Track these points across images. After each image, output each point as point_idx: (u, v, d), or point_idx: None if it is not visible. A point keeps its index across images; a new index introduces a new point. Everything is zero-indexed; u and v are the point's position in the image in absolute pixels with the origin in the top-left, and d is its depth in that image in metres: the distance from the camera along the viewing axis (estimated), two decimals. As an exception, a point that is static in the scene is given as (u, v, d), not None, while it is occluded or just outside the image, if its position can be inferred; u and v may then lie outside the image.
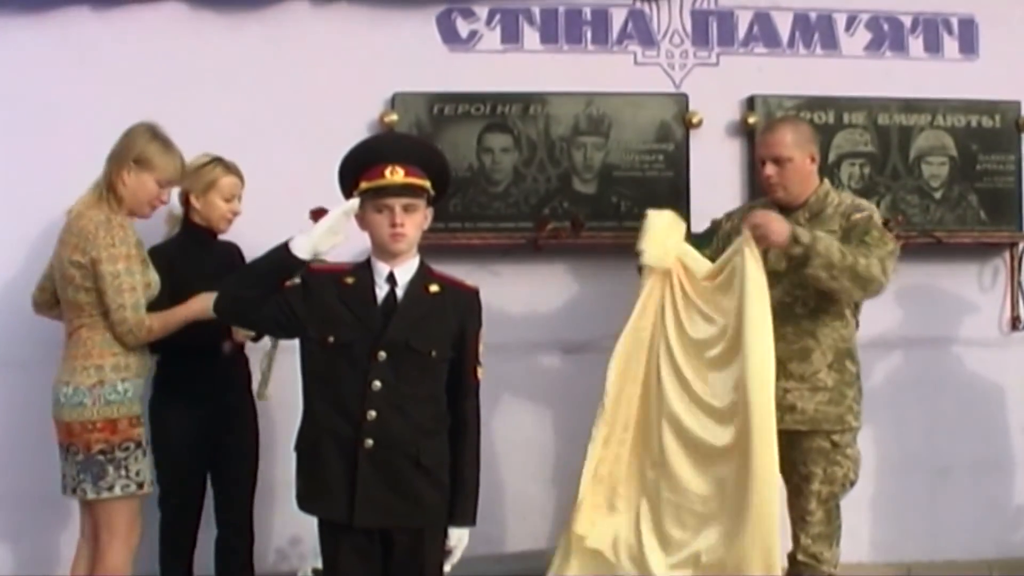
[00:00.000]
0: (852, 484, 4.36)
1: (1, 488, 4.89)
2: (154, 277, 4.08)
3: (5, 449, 4.86)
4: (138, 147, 4.03)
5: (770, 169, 4.25)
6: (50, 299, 4.26)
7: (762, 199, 4.46)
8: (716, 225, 4.62)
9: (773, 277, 4.11)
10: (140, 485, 4.02)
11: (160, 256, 4.24)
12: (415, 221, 3.59)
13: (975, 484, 5.37)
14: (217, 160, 4.41)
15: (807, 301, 4.25)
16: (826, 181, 4.41)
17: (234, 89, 4.96)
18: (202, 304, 3.99)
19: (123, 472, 3.96)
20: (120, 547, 4.04)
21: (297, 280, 3.61)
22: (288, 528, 4.92)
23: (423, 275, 3.66)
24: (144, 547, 4.26)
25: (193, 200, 4.38)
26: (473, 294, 3.72)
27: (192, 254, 4.37)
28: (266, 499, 4.86)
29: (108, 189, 4.03)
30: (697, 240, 4.50)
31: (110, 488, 3.95)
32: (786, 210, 4.28)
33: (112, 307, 3.92)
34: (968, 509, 5.37)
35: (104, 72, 4.92)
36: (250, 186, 4.82)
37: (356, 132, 4.57)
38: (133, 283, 3.95)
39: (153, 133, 4.08)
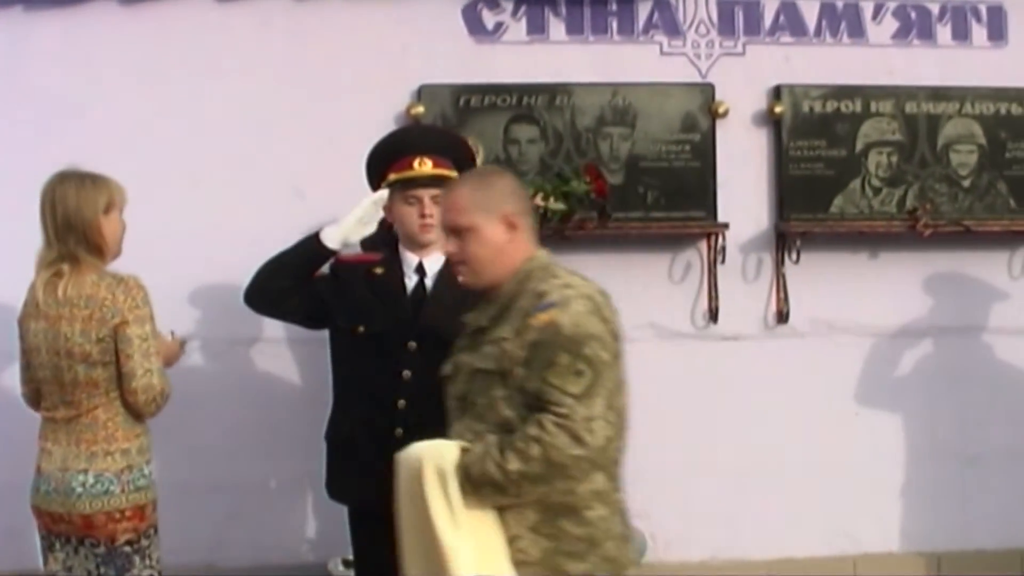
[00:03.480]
0: None
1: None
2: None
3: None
4: (100, 196, 3.59)
5: (450, 245, 3.06)
6: (38, 391, 3.75)
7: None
8: None
9: None
10: (159, 573, 3.73)
11: None
12: (444, 212, 3.62)
13: (1006, 473, 5.34)
14: None
15: None
16: (539, 255, 3.05)
17: (261, 82, 4.97)
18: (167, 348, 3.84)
19: (148, 561, 3.65)
20: None
21: (327, 271, 3.65)
22: (317, 519, 4.96)
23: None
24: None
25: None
26: (501, 284, 3.73)
27: None
28: (295, 490, 4.92)
29: (89, 250, 3.56)
30: None
31: None
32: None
33: (138, 373, 3.52)
34: (999, 498, 5.33)
35: (130, 66, 4.93)
36: (278, 180, 4.90)
37: (383, 124, 4.60)
38: (157, 347, 3.63)
39: (89, 176, 3.64)
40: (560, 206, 4.86)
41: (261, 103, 4.95)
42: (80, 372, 3.53)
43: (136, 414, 3.62)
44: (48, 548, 3.69)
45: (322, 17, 5.02)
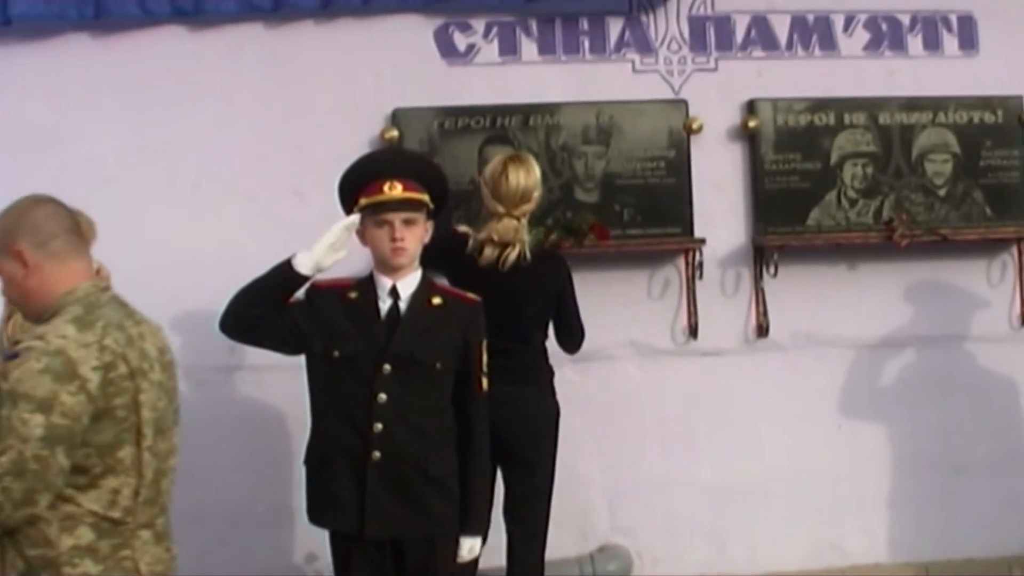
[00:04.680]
0: None
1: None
2: None
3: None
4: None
5: None
6: None
7: None
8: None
9: None
10: None
11: None
12: (415, 235, 3.64)
13: (992, 481, 5.34)
14: None
15: None
16: (81, 288, 2.82)
17: (235, 108, 4.98)
18: None
19: None
20: None
21: (301, 296, 3.66)
22: (303, 545, 4.93)
23: (425, 288, 3.70)
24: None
25: None
26: (476, 305, 3.76)
27: None
28: (280, 516, 4.90)
29: None
30: None
31: None
32: None
33: None
34: (986, 506, 5.34)
35: (105, 97, 4.93)
36: (253, 204, 4.90)
37: (357, 148, 4.60)
38: None
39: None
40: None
41: (235, 130, 4.96)
42: None
43: None
44: None
45: (294, 43, 5.04)
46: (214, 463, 4.94)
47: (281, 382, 4.56)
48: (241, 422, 5.02)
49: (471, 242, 4.29)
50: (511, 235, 4.23)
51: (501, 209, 4.25)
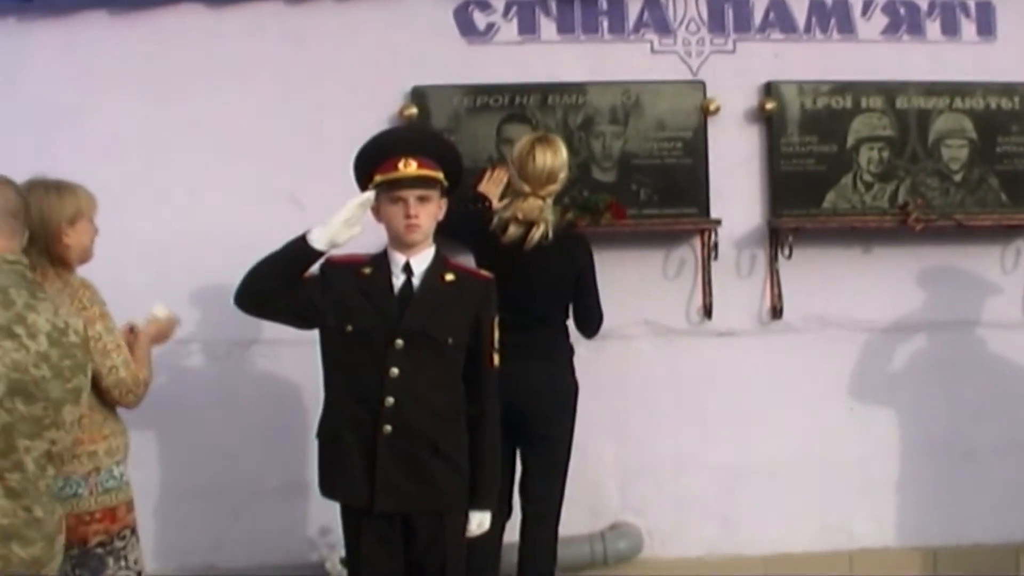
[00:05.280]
0: None
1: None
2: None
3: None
4: (66, 207, 3.60)
5: None
6: None
7: None
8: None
9: None
10: (139, 574, 3.75)
11: None
12: (429, 212, 3.68)
13: (1001, 467, 5.33)
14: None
15: None
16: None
17: (255, 86, 5.02)
18: (156, 328, 3.95)
19: (123, 563, 3.67)
20: None
21: (316, 271, 3.70)
22: (317, 519, 4.99)
23: (439, 264, 3.74)
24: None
25: None
26: (488, 282, 3.80)
27: None
28: (294, 490, 4.96)
29: (51, 260, 3.57)
30: None
31: None
32: None
33: (103, 372, 3.56)
34: (994, 492, 5.34)
35: (126, 75, 4.99)
36: (272, 183, 4.95)
37: (376, 126, 4.58)
38: (116, 341, 3.63)
39: (54, 185, 3.64)
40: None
41: (255, 107, 5.01)
42: None
43: (119, 407, 3.69)
44: None
45: (314, 21, 5.07)
46: (229, 437, 5.06)
47: (297, 357, 4.61)
48: (256, 396, 5.09)
49: (495, 220, 4.34)
50: (536, 214, 4.30)
51: (527, 188, 4.31)
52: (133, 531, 3.73)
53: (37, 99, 4.97)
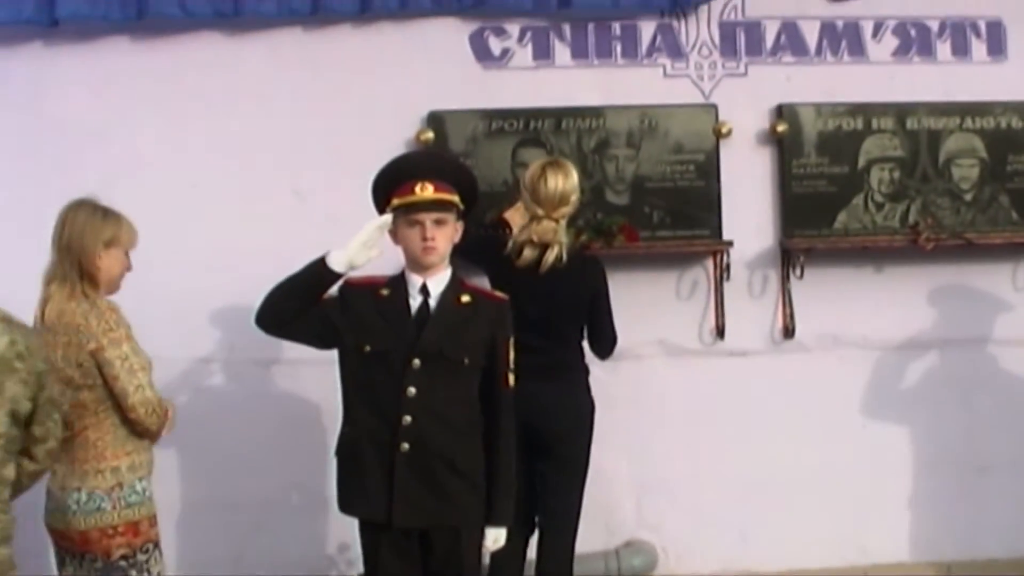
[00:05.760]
0: None
1: None
2: (148, 355, 3.83)
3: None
4: (106, 229, 3.78)
5: None
6: None
7: None
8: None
9: None
10: None
11: None
12: (446, 234, 3.76)
13: (1014, 482, 5.38)
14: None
15: None
16: None
17: (274, 111, 5.12)
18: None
19: (146, 575, 3.79)
20: None
21: (335, 293, 3.78)
22: (337, 534, 5.06)
23: (455, 286, 3.82)
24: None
25: None
26: (503, 304, 3.87)
27: None
28: (315, 505, 5.03)
29: (81, 278, 3.73)
30: None
31: None
32: None
33: (130, 391, 3.67)
34: (1008, 507, 5.38)
35: (147, 97, 5.09)
36: (290, 204, 5.05)
37: (393, 150, 4.68)
38: (142, 362, 3.73)
39: (102, 209, 3.83)
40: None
41: (275, 131, 5.11)
42: (68, 395, 3.67)
43: (143, 431, 3.78)
44: (60, 564, 3.85)
45: (333, 46, 5.17)
46: (251, 454, 5.12)
47: (316, 376, 4.65)
48: (277, 414, 5.16)
49: (510, 244, 4.43)
50: (550, 236, 4.39)
51: (540, 212, 4.40)
52: (156, 545, 3.83)
53: (61, 120, 5.07)
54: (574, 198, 4.49)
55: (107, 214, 3.79)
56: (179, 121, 5.11)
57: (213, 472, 5.11)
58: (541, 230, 4.40)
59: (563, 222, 4.46)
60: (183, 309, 4.91)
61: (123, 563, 3.72)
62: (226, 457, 5.12)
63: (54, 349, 3.67)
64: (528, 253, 4.39)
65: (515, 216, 4.71)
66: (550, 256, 4.37)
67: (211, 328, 5.12)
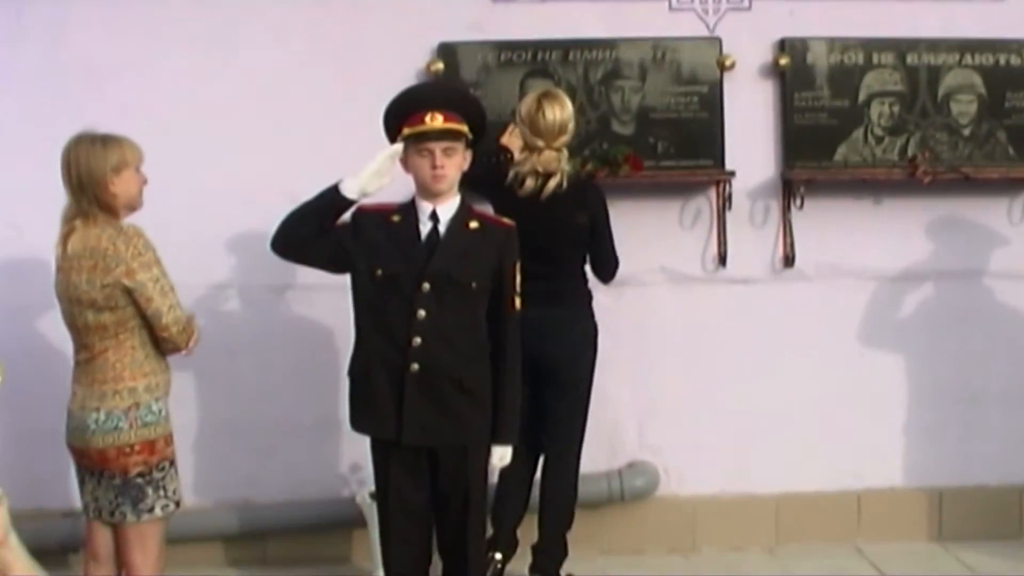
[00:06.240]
0: None
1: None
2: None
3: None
4: (111, 155, 3.82)
5: None
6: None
7: None
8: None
9: None
10: (177, 504, 3.96)
11: None
12: (455, 163, 3.88)
13: (1006, 412, 5.51)
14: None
15: None
16: None
17: (289, 44, 5.22)
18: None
19: (161, 492, 3.87)
20: (154, 567, 3.93)
21: (348, 219, 3.91)
22: (349, 455, 5.24)
23: (464, 213, 3.94)
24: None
25: None
26: (510, 229, 3.99)
27: None
28: (327, 428, 5.20)
29: (100, 208, 3.81)
30: None
31: (150, 510, 3.85)
32: None
33: (163, 311, 3.79)
34: (998, 436, 5.51)
35: (167, 34, 5.19)
36: (303, 134, 5.14)
37: (404, 80, 4.78)
38: (171, 283, 3.85)
39: (100, 137, 3.86)
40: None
41: (291, 64, 5.21)
42: (89, 317, 3.80)
43: (172, 348, 3.90)
44: (80, 481, 3.99)
45: (348, -18, 5.25)
46: (265, 377, 5.29)
47: (329, 301, 4.80)
48: (291, 339, 5.31)
49: (512, 174, 4.54)
50: (554, 165, 4.53)
51: (541, 143, 4.53)
52: (172, 463, 3.94)
53: (80, 60, 5.17)
54: (571, 126, 4.62)
55: (106, 140, 3.85)
56: (198, 54, 5.20)
57: (229, 395, 5.28)
58: (544, 160, 4.53)
59: (564, 151, 4.58)
60: (200, 236, 5.04)
61: (140, 480, 3.84)
62: (242, 381, 5.29)
63: (78, 273, 3.77)
64: (531, 183, 4.53)
65: (512, 140, 4.79)
66: (551, 184, 4.50)
67: (227, 255, 5.26)
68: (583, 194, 4.65)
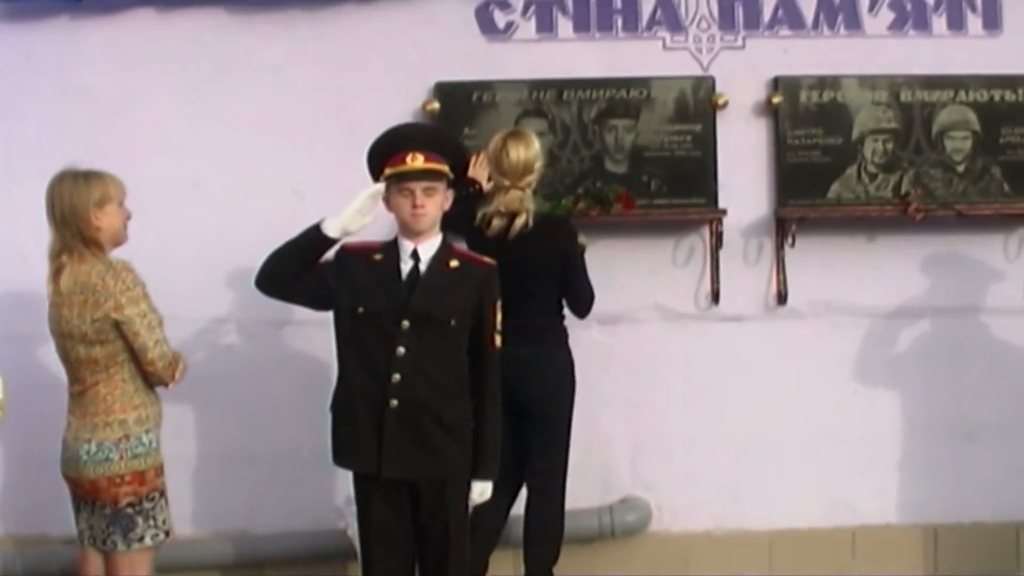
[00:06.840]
0: None
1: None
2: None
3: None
4: (93, 191, 3.90)
5: None
6: None
7: None
8: None
9: None
10: (167, 533, 4.04)
11: None
12: (435, 202, 3.95)
13: (1001, 448, 5.48)
14: None
15: None
16: None
17: (288, 82, 5.32)
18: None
19: (152, 522, 3.96)
20: None
21: (331, 257, 3.99)
22: (344, 487, 5.19)
23: (444, 252, 4.01)
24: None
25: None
26: (491, 269, 4.06)
27: None
28: (323, 460, 5.19)
29: (86, 244, 3.89)
30: None
31: (140, 539, 3.94)
32: None
33: (149, 345, 3.88)
34: (994, 472, 5.48)
35: (168, 70, 5.30)
36: (301, 174, 5.23)
37: (401, 119, 4.73)
38: (159, 318, 3.94)
39: (83, 173, 3.95)
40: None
41: (289, 101, 5.31)
42: (81, 351, 3.90)
43: (157, 381, 3.98)
44: (76, 509, 4.07)
45: (345, 21, 5.34)
46: (263, 410, 5.35)
47: (326, 336, 4.75)
48: (288, 373, 5.36)
49: (479, 215, 4.59)
50: (516, 204, 4.55)
51: (506, 182, 4.57)
52: (162, 494, 4.03)
53: (87, 92, 5.29)
54: (538, 165, 4.63)
55: (88, 176, 3.93)
56: (198, 91, 5.31)
57: (227, 427, 5.35)
58: (508, 200, 4.56)
59: (528, 190, 4.61)
60: (200, 269, 5.13)
61: (130, 510, 3.92)
62: (239, 413, 5.34)
63: (70, 308, 3.86)
64: (497, 223, 4.55)
65: (479, 172, 4.81)
66: (518, 223, 4.53)
67: (226, 290, 5.33)
68: (551, 229, 4.66)
